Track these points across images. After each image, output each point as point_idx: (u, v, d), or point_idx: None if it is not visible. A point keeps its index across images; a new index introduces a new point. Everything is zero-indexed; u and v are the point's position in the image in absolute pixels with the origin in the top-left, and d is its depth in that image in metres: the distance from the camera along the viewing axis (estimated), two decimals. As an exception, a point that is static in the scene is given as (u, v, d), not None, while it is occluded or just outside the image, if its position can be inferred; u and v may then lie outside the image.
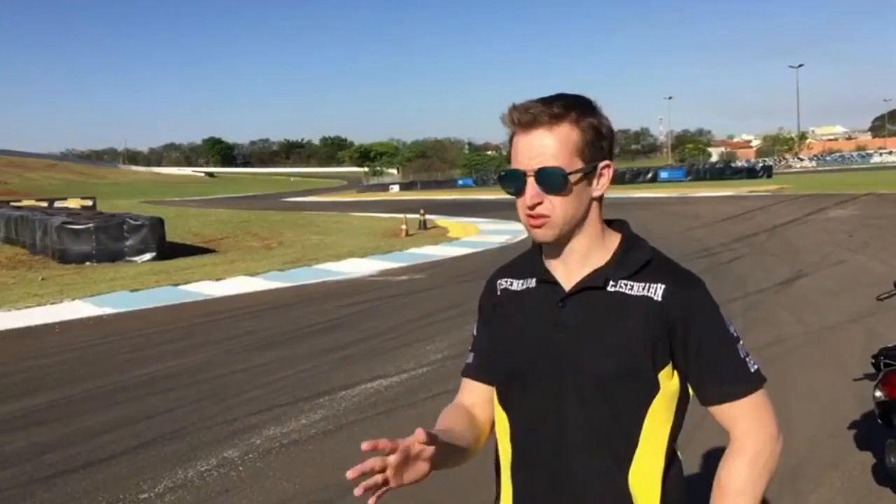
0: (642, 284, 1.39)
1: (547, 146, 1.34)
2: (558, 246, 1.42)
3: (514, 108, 1.36)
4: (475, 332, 1.62)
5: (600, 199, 1.43)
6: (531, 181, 1.35)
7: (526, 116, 1.34)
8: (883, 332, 6.43)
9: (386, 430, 5.01)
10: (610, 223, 1.48)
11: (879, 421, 3.72)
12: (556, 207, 1.36)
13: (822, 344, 6.75)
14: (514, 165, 1.38)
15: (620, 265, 1.41)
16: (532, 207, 1.36)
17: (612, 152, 1.42)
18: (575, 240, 1.41)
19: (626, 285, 1.40)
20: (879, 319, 7.05)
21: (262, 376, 6.57)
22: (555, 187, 1.35)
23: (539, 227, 1.38)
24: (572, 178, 1.35)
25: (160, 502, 4.04)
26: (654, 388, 1.39)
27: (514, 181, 1.38)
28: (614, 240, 1.45)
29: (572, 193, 1.36)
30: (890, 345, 3.93)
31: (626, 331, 1.37)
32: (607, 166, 1.41)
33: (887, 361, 3.76)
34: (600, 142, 1.38)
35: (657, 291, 1.38)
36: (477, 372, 1.59)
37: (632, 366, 1.37)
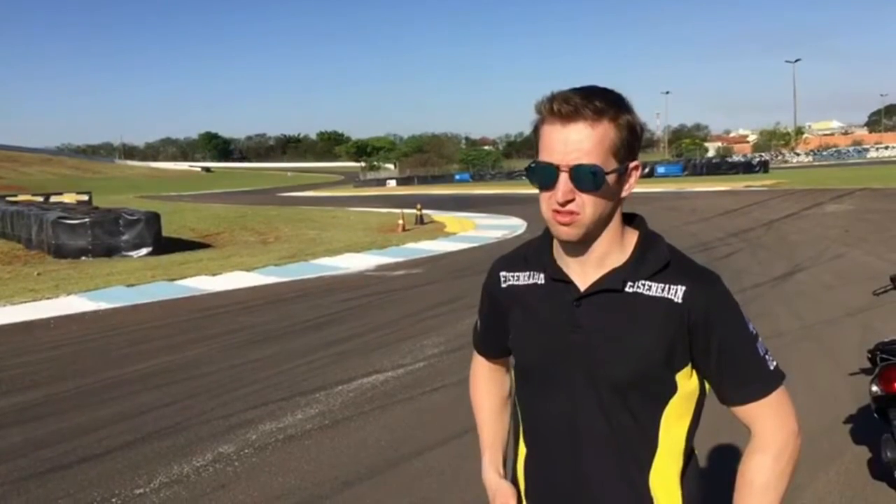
0: (661, 285, 1.36)
1: (585, 142, 1.28)
2: (578, 244, 1.37)
3: (554, 96, 1.30)
4: (480, 302, 1.65)
5: (623, 199, 1.39)
6: (564, 177, 1.29)
7: (567, 107, 1.28)
8: (879, 327, 6.44)
9: (383, 426, 5.01)
10: (625, 218, 1.44)
11: (875, 415, 3.72)
12: (587, 206, 1.31)
13: (819, 338, 6.75)
14: (546, 158, 1.31)
15: (639, 266, 1.38)
16: (563, 204, 1.30)
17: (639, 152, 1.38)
18: (597, 240, 1.37)
19: (644, 286, 1.37)
20: (876, 314, 7.07)
21: (258, 371, 6.56)
22: (590, 186, 1.29)
23: (566, 223, 1.32)
24: (608, 178, 1.30)
25: (155, 497, 4.03)
26: (672, 389, 1.38)
27: (544, 175, 1.32)
28: (631, 238, 1.42)
29: (604, 193, 1.32)
30: (886, 339, 3.93)
31: (644, 334, 1.35)
32: (636, 167, 1.37)
33: (883, 356, 3.76)
34: (634, 141, 1.34)
35: (677, 293, 1.35)
36: (479, 346, 1.72)
37: (650, 369, 1.35)
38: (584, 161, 1.28)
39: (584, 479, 1.40)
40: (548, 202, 1.33)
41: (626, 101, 1.34)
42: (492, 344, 1.65)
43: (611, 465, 1.39)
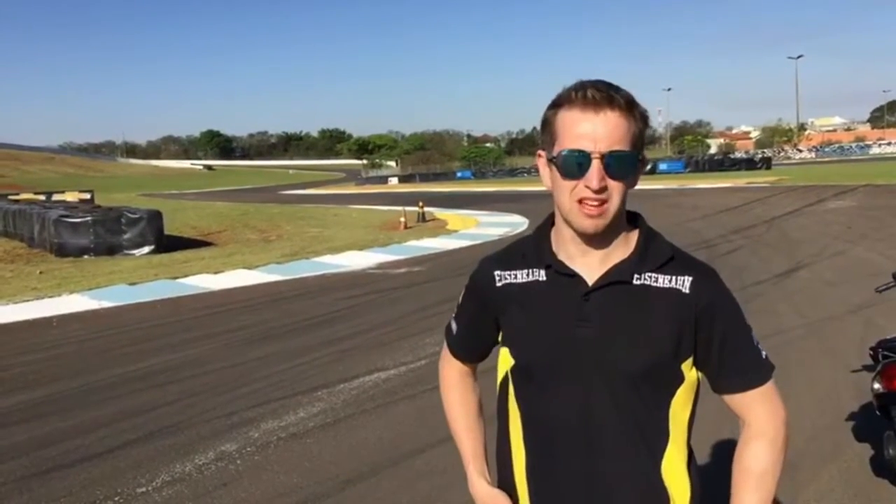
0: (669, 277, 1.38)
1: (617, 130, 1.29)
2: (598, 236, 1.37)
3: (585, 84, 1.31)
4: (461, 304, 1.62)
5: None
6: (597, 164, 1.29)
7: (600, 94, 1.29)
8: (882, 324, 6.44)
9: (384, 424, 5.01)
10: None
11: (878, 413, 3.71)
12: (615, 195, 1.32)
13: (821, 336, 6.74)
14: (575, 146, 1.30)
15: (644, 258, 1.39)
16: (599, 192, 1.30)
17: None
18: (609, 232, 1.38)
19: (651, 278, 1.38)
20: (878, 311, 7.06)
21: (260, 370, 6.57)
22: (624, 173, 1.31)
23: (594, 214, 1.32)
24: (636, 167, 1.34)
25: (158, 496, 4.04)
26: (679, 379, 1.40)
27: (575, 163, 1.31)
28: (632, 233, 1.43)
29: (629, 182, 1.34)
30: (888, 336, 3.93)
31: (656, 324, 1.36)
32: (642, 160, 1.39)
33: (886, 353, 3.76)
34: (644, 134, 1.36)
35: (685, 283, 1.38)
36: (456, 349, 1.67)
37: (662, 358, 1.37)
38: (618, 148, 1.29)
39: (599, 473, 1.40)
40: (571, 193, 1.33)
41: None
42: (472, 347, 1.63)
43: (626, 457, 1.38)
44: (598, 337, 1.36)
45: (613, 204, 1.32)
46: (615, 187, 1.31)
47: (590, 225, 1.33)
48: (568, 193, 1.33)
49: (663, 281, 1.38)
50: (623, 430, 1.38)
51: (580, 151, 1.30)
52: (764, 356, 1.43)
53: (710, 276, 1.41)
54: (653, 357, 1.36)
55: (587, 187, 1.30)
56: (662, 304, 1.37)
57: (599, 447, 1.39)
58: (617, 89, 1.31)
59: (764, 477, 1.38)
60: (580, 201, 1.32)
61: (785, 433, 1.42)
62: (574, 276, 1.40)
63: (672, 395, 1.39)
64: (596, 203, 1.31)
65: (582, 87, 1.31)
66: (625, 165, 1.31)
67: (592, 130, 1.29)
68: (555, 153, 1.34)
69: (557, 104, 1.34)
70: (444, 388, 1.71)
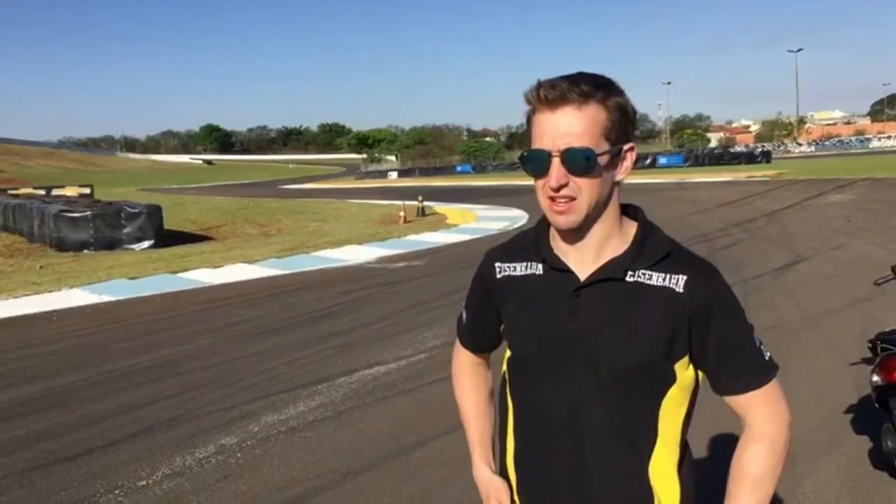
0: (662, 275, 1.36)
1: (575, 126, 1.28)
2: (577, 231, 1.36)
3: (541, 84, 1.30)
4: (468, 294, 1.64)
5: (619, 183, 1.38)
6: (556, 162, 1.29)
7: (553, 93, 1.28)
8: (880, 317, 6.44)
9: (384, 417, 5.02)
10: (623, 209, 1.43)
11: (876, 405, 3.72)
12: (583, 191, 1.31)
13: (820, 329, 6.75)
14: (538, 145, 1.31)
15: (639, 255, 1.38)
16: (557, 190, 1.30)
17: (634, 134, 1.38)
18: (595, 226, 1.37)
19: (644, 275, 1.37)
20: (877, 304, 7.07)
21: (260, 363, 6.57)
22: (582, 169, 1.29)
23: (563, 211, 1.32)
24: (600, 160, 1.30)
25: (158, 489, 4.05)
26: (671, 379, 1.38)
27: (537, 162, 1.31)
28: (630, 228, 1.42)
29: (597, 176, 1.31)
30: (887, 329, 3.94)
31: (646, 322, 1.34)
32: (631, 149, 1.37)
33: (884, 346, 3.77)
34: (626, 123, 1.33)
35: (679, 282, 1.35)
36: (464, 339, 1.69)
37: (652, 357, 1.35)
38: (575, 145, 1.28)
39: (585, 470, 1.40)
40: (543, 190, 1.33)
41: (615, 84, 1.33)
42: (479, 337, 1.64)
43: (612, 455, 1.38)
44: (587, 333, 1.36)
45: (584, 199, 1.31)
46: (582, 183, 1.30)
47: (562, 221, 1.34)
48: (540, 192, 1.35)
49: (657, 279, 1.36)
50: (610, 428, 1.37)
51: (539, 150, 1.31)
52: (767, 357, 1.40)
53: (707, 275, 1.38)
54: (641, 356, 1.34)
55: (549, 186, 1.31)
56: (655, 303, 1.35)
57: (586, 443, 1.39)
58: (577, 83, 1.28)
59: (761, 480, 1.36)
60: (551, 199, 1.33)
61: (787, 436, 1.39)
62: (567, 272, 1.40)
63: (663, 394, 1.38)
64: (563, 200, 1.31)
65: (538, 86, 1.30)
66: (585, 162, 1.29)
67: (551, 129, 1.29)
68: (524, 153, 1.36)
69: (527, 104, 1.35)
70: (455, 376, 1.72)
